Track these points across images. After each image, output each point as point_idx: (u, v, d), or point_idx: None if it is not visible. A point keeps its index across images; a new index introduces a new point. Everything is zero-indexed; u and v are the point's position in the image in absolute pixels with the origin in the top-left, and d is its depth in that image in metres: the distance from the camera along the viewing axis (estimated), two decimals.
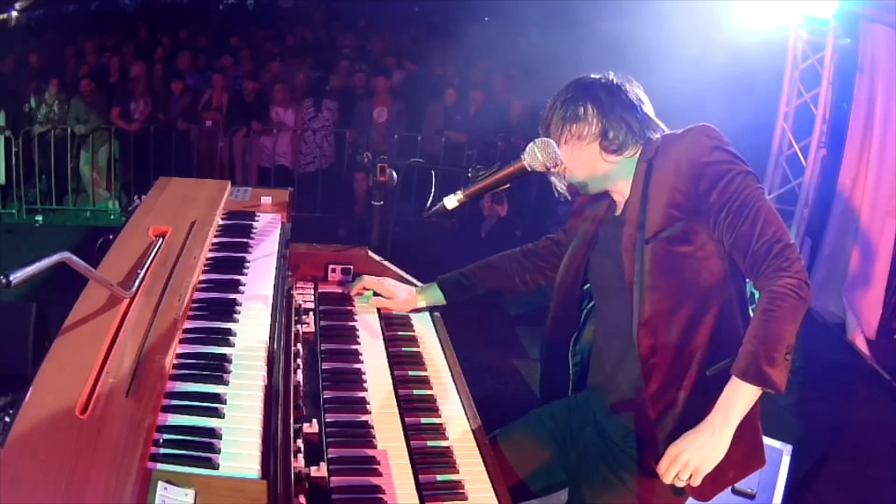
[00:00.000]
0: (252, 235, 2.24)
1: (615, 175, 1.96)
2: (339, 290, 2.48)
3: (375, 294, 2.45)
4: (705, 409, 1.77)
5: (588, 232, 2.07)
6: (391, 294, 2.42)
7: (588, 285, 2.10)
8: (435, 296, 2.39)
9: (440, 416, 2.01)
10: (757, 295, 1.78)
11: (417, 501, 1.68)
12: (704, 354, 1.85)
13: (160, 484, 1.14)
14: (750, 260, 1.77)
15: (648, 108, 1.97)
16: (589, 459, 2.03)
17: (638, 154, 1.93)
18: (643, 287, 1.85)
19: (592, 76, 1.98)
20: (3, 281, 1.30)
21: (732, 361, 1.76)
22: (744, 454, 1.88)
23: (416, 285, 2.49)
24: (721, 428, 1.73)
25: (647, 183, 1.88)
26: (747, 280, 1.90)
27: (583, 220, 2.11)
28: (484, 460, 1.88)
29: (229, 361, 1.56)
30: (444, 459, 1.85)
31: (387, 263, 2.55)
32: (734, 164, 1.80)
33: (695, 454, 1.74)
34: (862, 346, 5.63)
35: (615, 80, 1.96)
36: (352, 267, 2.54)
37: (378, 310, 2.42)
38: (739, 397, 1.73)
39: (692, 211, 1.83)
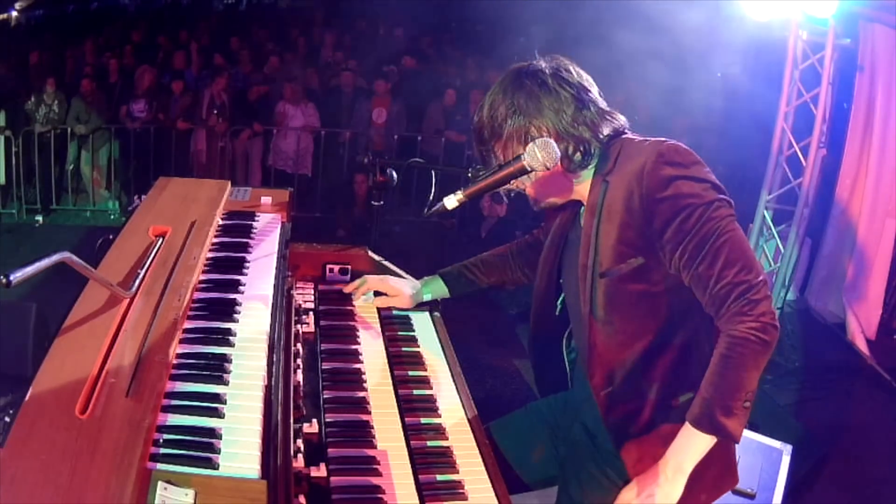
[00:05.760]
0: (252, 235, 2.24)
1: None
2: (339, 290, 2.46)
3: (377, 294, 2.40)
4: (671, 435, 1.73)
5: (557, 232, 1.99)
6: (396, 291, 2.36)
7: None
8: (440, 288, 2.35)
9: (440, 417, 2.01)
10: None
11: (417, 501, 1.68)
12: (665, 385, 1.79)
13: (160, 484, 1.14)
14: (709, 301, 1.66)
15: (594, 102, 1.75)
16: (577, 456, 2.00)
17: (594, 162, 1.78)
18: (597, 318, 1.77)
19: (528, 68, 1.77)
20: (3, 281, 1.30)
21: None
22: (714, 479, 1.82)
23: None
24: (673, 476, 1.68)
25: (601, 207, 1.74)
26: None
27: (556, 217, 2.02)
28: (484, 460, 1.88)
29: (229, 361, 1.55)
30: (444, 459, 1.85)
31: (387, 263, 2.55)
32: (692, 197, 1.63)
33: (647, 501, 1.70)
34: (862, 346, 5.63)
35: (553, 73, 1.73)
36: (349, 266, 2.53)
37: (378, 309, 2.41)
38: (693, 445, 1.66)
39: (645, 248, 1.70)
